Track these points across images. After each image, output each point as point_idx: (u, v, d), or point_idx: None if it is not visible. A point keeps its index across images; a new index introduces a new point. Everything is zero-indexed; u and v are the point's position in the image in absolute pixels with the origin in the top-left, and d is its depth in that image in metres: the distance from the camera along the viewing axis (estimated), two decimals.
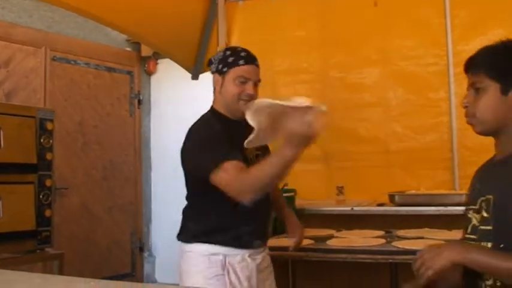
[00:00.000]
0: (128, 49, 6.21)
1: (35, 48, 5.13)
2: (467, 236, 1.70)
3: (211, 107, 2.45)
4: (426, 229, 3.16)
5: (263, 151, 2.41)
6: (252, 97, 2.28)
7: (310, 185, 3.98)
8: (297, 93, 4.11)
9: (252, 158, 2.35)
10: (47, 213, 3.49)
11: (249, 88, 2.31)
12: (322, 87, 4.12)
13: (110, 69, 5.92)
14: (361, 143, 3.97)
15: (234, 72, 2.31)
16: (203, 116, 2.44)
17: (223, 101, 2.37)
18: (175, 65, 4.56)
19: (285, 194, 3.37)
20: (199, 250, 2.33)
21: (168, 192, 6.27)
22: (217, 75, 2.37)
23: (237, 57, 2.33)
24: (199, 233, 2.35)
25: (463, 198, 3.24)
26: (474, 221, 1.69)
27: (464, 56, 3.76)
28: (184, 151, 2.36)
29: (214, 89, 2.41)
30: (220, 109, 2.40)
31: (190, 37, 4.31)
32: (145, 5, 3.72)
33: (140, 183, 6.25)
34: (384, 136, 3.91)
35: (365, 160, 3.94)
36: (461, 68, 3.77)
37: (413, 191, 3.54)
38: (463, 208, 3.17)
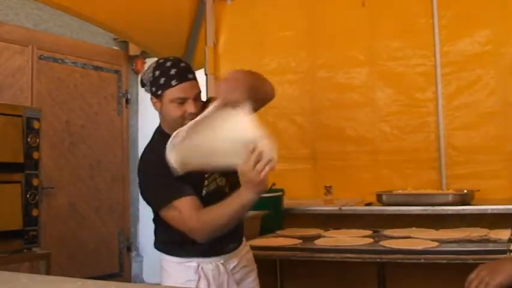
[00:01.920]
0: (116, 48, 6.19)
1: (22, 46, 5.10)
2: None
3: (160, 127, 2.32)
4: (413, 228, 3.18)
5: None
6: (196, 114, 2.11)
7: (298, 185, 3.99)
8: (285, 93, 4.12)
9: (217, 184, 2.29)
10: (34, 212, 3.47)
11: (189, 107, 2.14)
12: (310, 87, 4.12)
13: (97, 68, 5.89)
14: (348, 142, 3.98)
15: (169, 94, 2.15)
16: (152, 141, 2.32)
17: (167, 124, 2.23)
18: None
19: (272, 194, 3.38)
20: (174, 259, 2.32)
21: None
22: (154, 98, 2.22)
23: (168, 76, 2.14)
24: (170, 247, 2.33)
25: (450, 198, 3.28)
26: None
27: (451, 56, 3.83)
28: (139, 184, 2.25)
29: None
30: (167, 129, 2.24)
31: (178, 36, 4.30)
32: (133, 4, 3.71)
33: (128, 182, 6.22)
34: (371, 136, 3.92)
35: (353, 160, 3.95)
36: (448, 69, 3.82)
37: (400, 191, 3.55)
38: (450, 208, 3.22)
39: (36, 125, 3.54)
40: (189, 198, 2.10)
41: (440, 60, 3.75)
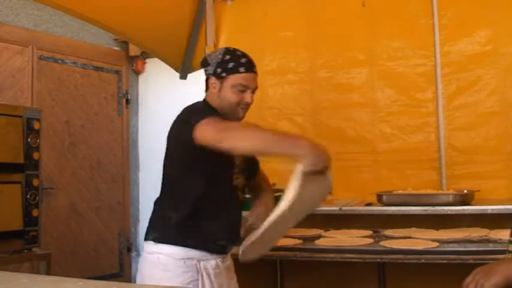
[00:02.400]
0: (116, 48, 6.19)
1: (22, 47, 5.10)
2: None
3: (206, 101, 2.36)
4: (414, 229, 3.18)
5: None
6: (249, 105, 2.29)
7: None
8: (285, 93, 4.12)
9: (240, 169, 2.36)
10: (34, 213, 3.48)
11: (247, 97, 2.28)
12: (310, 88, 4.12)
13: (97, 69, 5.90)
14: (349, 143, 3.98)
15: (233, 79, 2.26)
16: (197, 102, 2.37)
17: (220, 104, 2.30)
18: (164, 64, 4.55)
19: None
20: (175, 253, 2.23)
21: (155, 193, 6.23)
22: (214, 78, 2.30)
23: (238, 63, 2.27)
24: (170, 234, 2.25)
25: (450, 198, 3.28)
26: None
27: (451, 56, 3.83)
28: (173, 124, 2.29)
29: (207, 88, 2.35)
30: (216, 107, 2.32)
31: (178, 37, 4.30)
32: (133, 4, 3.71)
33: (128, 183, 6.23)
34: (371, 136, 3.92)
35: (353, 160, 3.95)
36: (448, 69, 3.82)
37: (400, 191, 3.55)
38: (450, 208, 3.22)
39: (36, 125, 3.55)
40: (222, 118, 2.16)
41: (440, 61, 3.75)
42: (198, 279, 2.23)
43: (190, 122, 2.10)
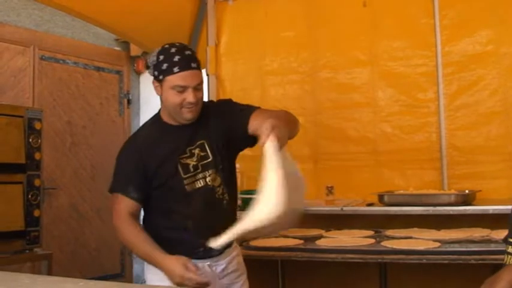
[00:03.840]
0: (117, 48, 6.19)
1: (23, 47, 5.11)
2: None
3: (158, 112, 2.36)
4: (415, 229, 3.18)
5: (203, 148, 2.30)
6: (195, 104, 2.19)
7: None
8: (286, 93, 4.12)
9: (195, 161, 2.28)
10: (36, 213, 3.48)
11: (188, 96, 2.16)
12: (311, 88, 4.12)
13: (98, 69, 5.90)
14: (350, 143, 3.98)
15: (170, 81, 2.15)
16: (146, 122, 2.42)
17: (165, 108, 2.27)
18: None
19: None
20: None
21: None
22: (155, 81, 2.23)
23: (171, 63, 2.15)
24: (162, 244, 2.23)
25: (452, 198, 3.28)
26: None
27: (452, 56, 3.83)
28: None
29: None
30: (164, 115, 2.30)
31: (179, 37, 4.29)
32: (135, 5, 3.71)
33: None
34: (373, 136, 3.92)
35: (354, 160, 3.94)
36: (449, 69, 3.83)
37: (402, 191, 3.55)
38: (451, 208, 3.21)
39: (37, 125, 3.55)
40: (131, 200, 2.24)
41: (441, 61, 3.74)
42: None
43: (112, 181, 2.37)
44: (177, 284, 2.04)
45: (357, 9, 3.96)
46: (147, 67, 2.28)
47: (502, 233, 2.70)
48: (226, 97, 4.10)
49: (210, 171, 2.27)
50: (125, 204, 2.23)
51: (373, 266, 3.28)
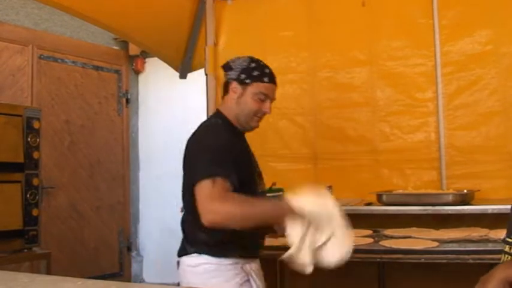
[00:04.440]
0: (116, 48, 6.19)
1: (22, 46, 5.11)
2: (510, 240, 1.63)
3: (219, 112, 2.40)
4: (414, 228, 3.18)
5: None
6: (265, 115, 2.38)
7: (298, 185, 3.98)
8: (286, 93, 4.11)
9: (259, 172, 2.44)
10: (34, 212, 3.48)
11: (266, 106, 2.35)
12: (311, 87, 4.12)
13: (97, 68, 5.90)
14: (349, 142, 3.98)
15: (256, 87, 2.32)
16: (211, 122, 2.39)
17: (236, 110, 2.35)
18: (163, 64, 4.55)
19: (272, 194, 3.38)
20: (219, 260, 2.25)
21: (156, 192, 6.26)
22: (236, 83, 2.33)
23: (262, 72, 2.34)
24: (212, 247, 2.25)
25: (450, 198, 3.28)
26: None
27: (451, 56, 3.83)
28: (185, 157, 2.29)
29: (226, 92, 2.38)
30: (230, 116, 2.37)
31: (178, 36, 4.30)
32: (133, 4, 3.71)
33: (128, 182, 6.23)
34: (371, 136, 3.92)
35: (353, 160, 3.94)
36: (448, 68, 3.82)
37: (400, 191, 3.55)
38: (450, 207, 3.22)
39: (36, 124, 3.55)
40: (229, 184, 2.11)
41: (440, 60, 3.74)
42: (249, 279, 2.30)
43: (199, 167, 2.15)
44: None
45: (356, 9, 3.95)
46: (227, 68, 2.37)
47: (500, 233, 2.71)
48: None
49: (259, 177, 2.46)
50: (226, 186, 2.10)
51: (372, 265, 3.28)
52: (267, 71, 2.36)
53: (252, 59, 2.38)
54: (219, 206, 2.05)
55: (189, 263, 2.27)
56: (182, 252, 2.32)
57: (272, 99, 2.38)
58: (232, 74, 2.34)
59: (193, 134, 2.32)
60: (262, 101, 2.33)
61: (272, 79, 2.37)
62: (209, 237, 2.22)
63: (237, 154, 2.24)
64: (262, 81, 2.32)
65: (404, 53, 3.85)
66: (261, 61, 2.40)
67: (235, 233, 2.16)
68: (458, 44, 3.70)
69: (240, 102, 2.33)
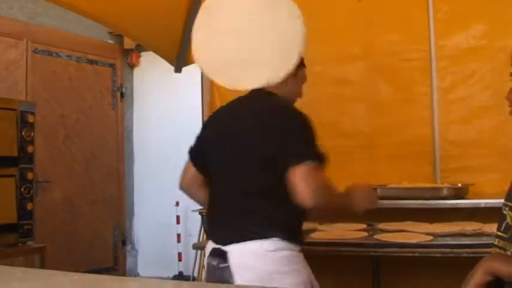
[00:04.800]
0: (110, 41, 6.17)
1: (16, 40, 5.09)
2: (499, 233, 1.62)
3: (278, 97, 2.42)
4: (408, 222, 3.19)
5: None
6: None
7: None
8: None
9: None
10: (29, 206, 3.47)
11: None
12: (306, 82, 4.11)
13: (91, 62, 5.88)
14: (344, 137, 3.98)
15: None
16: (295, 112, 2.38)
17: (298, 88, 2.58)
18: (158, 57, 4.53)
19: None
20: (296, 248, 2.19)
21: (150, 186, 6.26)
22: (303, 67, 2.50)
23: None
24: (294, 234, 2.18)
25: (445, 192, 3.29)
26: (508, 220, 1.60)
27: (446, 50, 3.82)
28: (269, 128, 2.18)
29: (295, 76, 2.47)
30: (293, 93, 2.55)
31: (173, 30, 4.28)
32: None
33: (122, 176, 6.22)
34: (366, 130, 3.92)
35: (348, 154, 3.94)
36: (443, 63, 3.82)
37: (395, 185, 3.55)
38: (444, 201, 3.23)
39: (30, 118, 3.54)
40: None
41: (435, 54, 3.74)
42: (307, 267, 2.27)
43: (309, 148, 2.15)
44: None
45: (351, 3, 3.95)
46: None
47: (494, 227, 2.70)
48: (220, 91, 4.11)
49: None
50: (323, 172, 2.11)
51: (366, 259, 3.29)
52: None
53: None
54: (325, 191, 2.07)
55: (267, 247, 2.10)
56: (252, 235, 2.10)
57: None
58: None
59: (280, 108, 2.31)
60: None
61: None
62: (295, 222, 2.20)
63: None
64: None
65: (399, 48, 3.85)
66: None
67: (297, 220, 2.20)
68: (453, 38, 3.71)
69: (300, 80, 2.63)
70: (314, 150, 2.15)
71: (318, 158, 2.12)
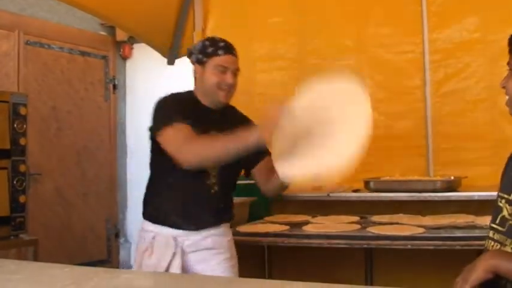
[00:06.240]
0: (103, 33, 6.14)
1: (8, 31, 5.05)
2: (494, 226, 1.62)
3: (191, 91, 2.52)
4: (401, 215, 3.20)
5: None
6: (231, 86, 2.41)
7: None
8: (274, 79, 4.11)
9: None
10: (21, 199, 3.46)
11: (228, 77, 2.40)
12: (299, 74, 4.11)
13: (84, 54, 5.85)
14: None
15: (213, 62, 2.39)
16: (181, 91, 2.52)
17: (203, 90, 2.46)
18: (151, 49, 4.52)
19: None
20: (143, 226, 2.51)
21: (143, 178, 6.20)
22: (197, 65, 2.45)
23: (216, 47, 2.41)
24: (146, 209, 2.54)
25: (437, 185, 3.31)
26: (505, 213, 1.59)
27: (439, 43, 3.83)
28: (152, 117, 2.44)
29: (195, 78, 2.49)
30: (199, 96, 2.48)
31: (166, 22, 4.27)
32: None
33: (115, 169, 6.21)
34: None
35: None
36: (436, 56, 3.83)
37: (388, 177, 3.57)
38: (437, 194, 3.24)
39: (22, 110, 3.52)
40: (189, 126, 2.25)
41: (428, 47, 3.75)
42: (148, 250, 2.41)
43: (154, 122, 2.38)
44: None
45: None
46: (189, 55, 2.49)
47: (486, 219, 2.72)
48: None
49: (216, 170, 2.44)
50: (183, 127, 2.26)
51: (359, 251, 3.31)
52: (221, 44, 2.42)
53: (207, 39, 2.52)
54: (187, 147, 2.21)
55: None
56: None
57: (234, 70, 2.43)
58: (193, 58, 2.46)
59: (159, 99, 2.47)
60: (222, 72, 2.39)
61: (228, 50, 2.42)
62: (147, 198, 2.58)
63: (187, 115, 2.31)
64: (218, 55, 2.39)
65: (392, 40, 3.85)
66: (216, 37, 2.49)
67: (153, 199, 2.50)
68: (446, 31, 3.71)
69: (203, 80, 2.43)
70: (161, 118, 2.35)
71: (166, 123, 2.29)
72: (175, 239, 2.40)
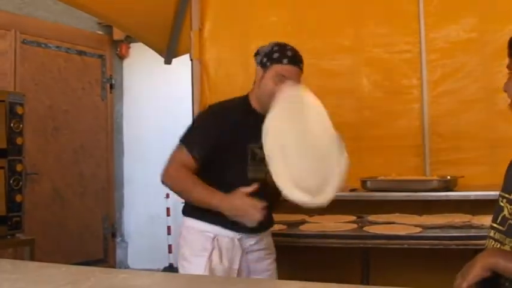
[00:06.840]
0: (100, 32, 6.14)
1: (5, 30, 5.04)
2: (495, 225, 1.61)
3: (247, 95, 2.49)
4: (397, 214, 3.20)
5: None
6: None
7: None
8: None
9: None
10: (18, 198, 3.46)
11: None
12: None
13: (81, 53, 5.84)
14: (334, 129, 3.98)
15: (275, 69, 2.34)
16: (234, 99, 2.50)
17: (257, 94, 2.42)
18: (148, 49, 4.52)
19: None
20: (194, 225, 2.42)
21: (140, 178, 6.24)
22: (259, 67, 2.40)
23: (282, 54, 2.35)
24: (195, 211, 2.40)
25: (434, 184, 3.31)
26: (506, 212, 1.58)
27: (436, 43, 3.83)
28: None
29: (255, 80, 2.45)
30: (252, 100, 2.45)
31: (163, 21, 4.27)
32: None
33: (112, 168, 6.20)
34: (356, 122, 3.92)
35: None
36: (433, 55, 3.83)
37: (384, 177, 3.57)
38: (433, 194, 3.24)
39: (19, 110, 3.51)
40: (192, 158, 2.31)
41: (425, 47, 3.75)
42: (208, 249, 2.36)
43: (184, 131, 2.41)
44: (241, 217, 2.24)
45: None
46: (256, 54, 2.44)
47: (483, 219, 2.74)
48: (210, 82, 4.10)
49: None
50: (185, 157, 2.32)
51: (356, 251, 3.30)
52: (288, 53, 2.35)
53: (277, 43, 2.41)
54: (174, 173, 2.32)
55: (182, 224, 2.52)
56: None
57: (294, 81, 2.35)
58: (257, 59, 2.42)
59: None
60: (281, 82, 2.32)
61: (293, 61, 2.35)
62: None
63: (226, 132, 2.33)
64: (281, 63, 2.33)
65: (389, 40, 3.85)
66: (288, 45, 2.40)
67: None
68: (443, 31, 3.71)
69: (261, 84, 2.39)
70: (183, 134, 2.39)
71: (181, 141, 2.36)
72: (239, 240, 2.41)
